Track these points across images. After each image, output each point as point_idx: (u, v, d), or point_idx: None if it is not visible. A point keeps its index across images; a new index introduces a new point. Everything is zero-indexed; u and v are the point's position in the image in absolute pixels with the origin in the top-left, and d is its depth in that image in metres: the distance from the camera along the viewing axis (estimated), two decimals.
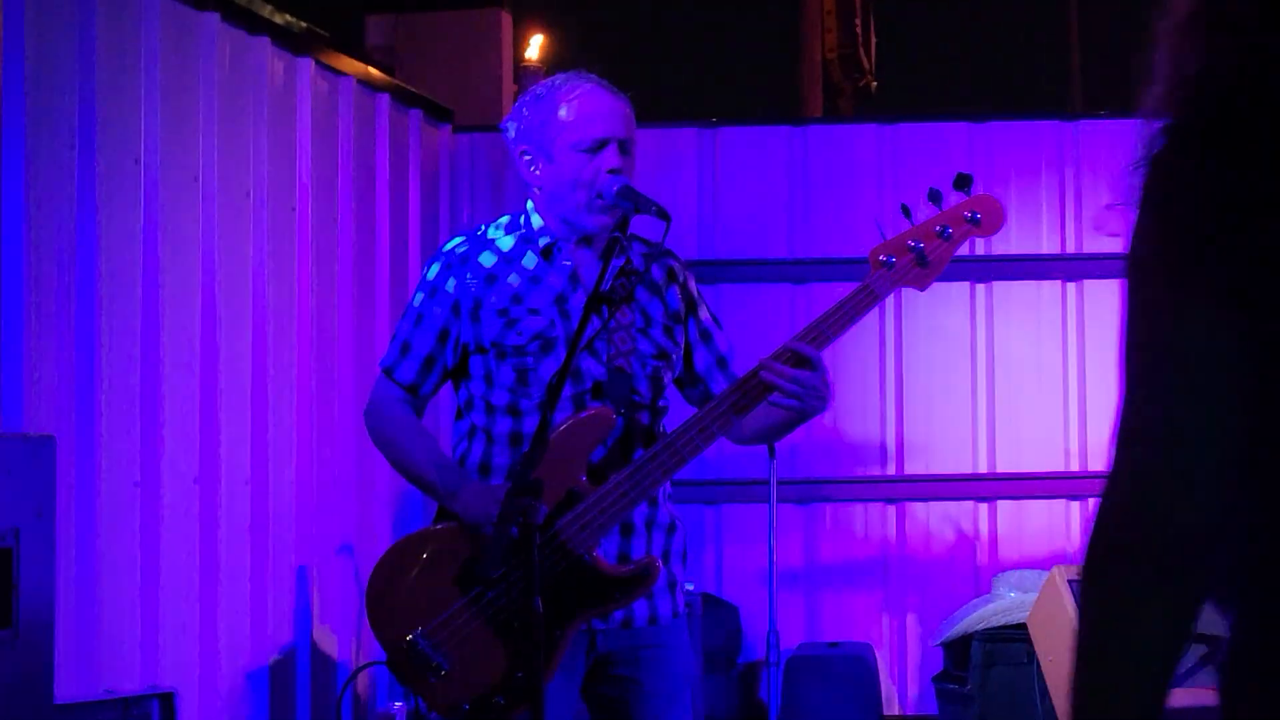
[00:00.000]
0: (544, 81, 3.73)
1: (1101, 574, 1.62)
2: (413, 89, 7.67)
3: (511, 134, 3.71)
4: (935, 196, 3.59)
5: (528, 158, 3.68)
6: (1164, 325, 1.59)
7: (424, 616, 3.55)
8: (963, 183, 3.58)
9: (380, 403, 3.76)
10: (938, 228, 3.59)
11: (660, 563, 3.61)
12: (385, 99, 7.21)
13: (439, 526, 3.63)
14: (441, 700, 3.56)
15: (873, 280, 3.58)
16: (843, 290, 8.07)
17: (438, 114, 7.88)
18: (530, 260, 3.68)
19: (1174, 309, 1.58)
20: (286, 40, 6.35)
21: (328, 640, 6.44)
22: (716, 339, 3.84)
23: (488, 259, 3.69)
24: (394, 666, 3.60)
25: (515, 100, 3.83)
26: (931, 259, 3.59)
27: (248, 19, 6.06)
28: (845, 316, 3.57)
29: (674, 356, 3.74)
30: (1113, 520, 1.62)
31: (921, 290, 3.66)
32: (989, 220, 3.60)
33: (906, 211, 3.61)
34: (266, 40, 6.17)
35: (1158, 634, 1.60)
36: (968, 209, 3.59)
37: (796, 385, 3.50)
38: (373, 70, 7.23)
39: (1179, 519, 1.58)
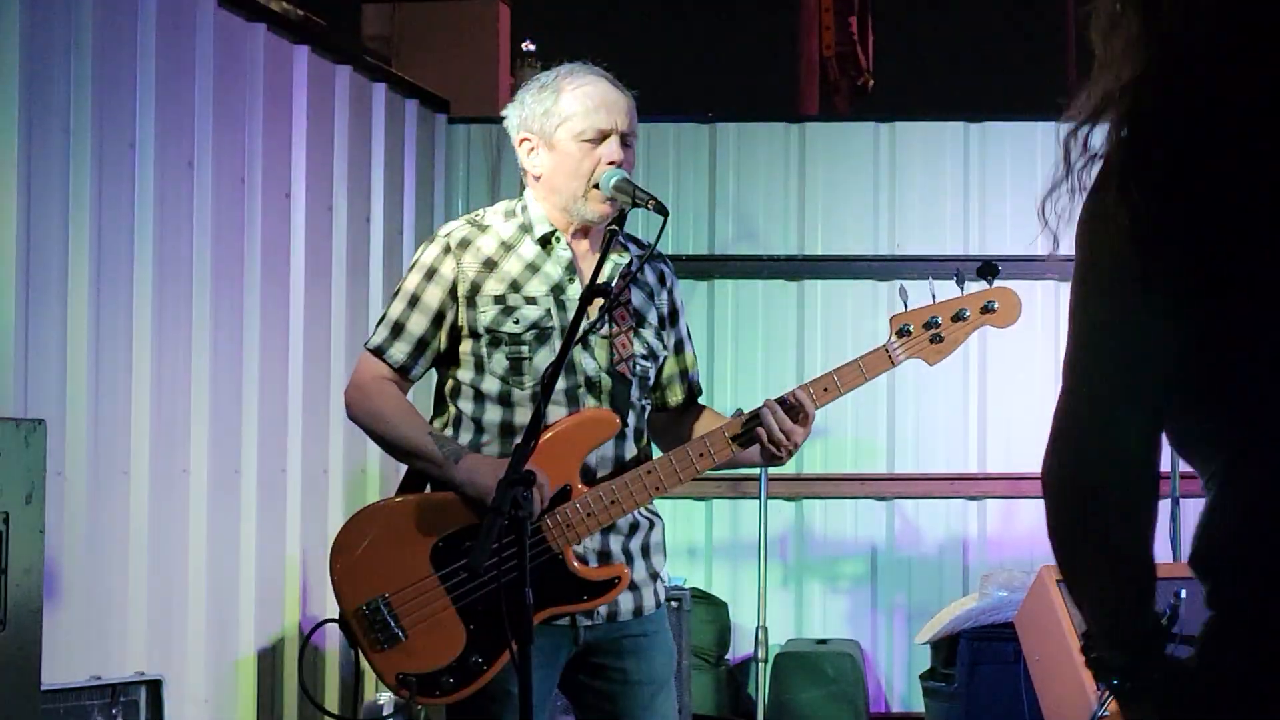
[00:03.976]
0: (548, 71, 3.74)
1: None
2: (410, 79, 7.65)
3: (513, 121, 3.72)
4: (961, 279, 3.77)
5: (528, 145, 3.69)
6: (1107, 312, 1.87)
7: (391, 583, 3.55)
8: (987, 272, 3.75)
9: (366, 381, 3.73)
10: (956, 310, 3.75)
11: (629, 572, 3.64)
12: (382, 88, 7.20)
13: (416, 496, 3.63)
14: (390, 669, 3.56)
15: (890, 347, 3.71)
16: (837, 288, 8.09)
17: (434, 104, 7.86)
18: (528, 248, 3.68)
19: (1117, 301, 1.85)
20: (283, 27, 6.34)
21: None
22: (686, 351, 3.91)
23: (487, 244, 3.68)
24: (346, 627, 3.58)
25: (515, 90, 3.83)
26: (946, 338, 3.76)
27: (245, 5, 6.05)
28: (859, 375, 3.69)
29: (661, 358, 3.77)
30: None
31: (930, 365, 3.81)
32: (1005, 312, 3.78)
33: (931, 288, 3.76)
34: (263, 27, 6.16)
35: None
36: (987, 298, 3.75)
37: (783, 439, 3.59)
38: (370, 59, 7.22)
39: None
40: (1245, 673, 1.80)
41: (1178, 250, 1.79)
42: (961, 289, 3.76)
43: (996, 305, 3.75)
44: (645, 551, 3.73)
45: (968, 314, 3.74)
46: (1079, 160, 1.95)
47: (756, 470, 6.34)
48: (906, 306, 3.75)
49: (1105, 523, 1.91)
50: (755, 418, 3.59)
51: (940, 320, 3.73)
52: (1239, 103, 1.77)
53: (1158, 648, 1.94)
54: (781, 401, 3.60)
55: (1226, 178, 1.77)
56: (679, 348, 3.87)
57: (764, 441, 3.59)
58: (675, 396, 3.88)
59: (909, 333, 3.71)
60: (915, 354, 3.74)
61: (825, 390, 3.64)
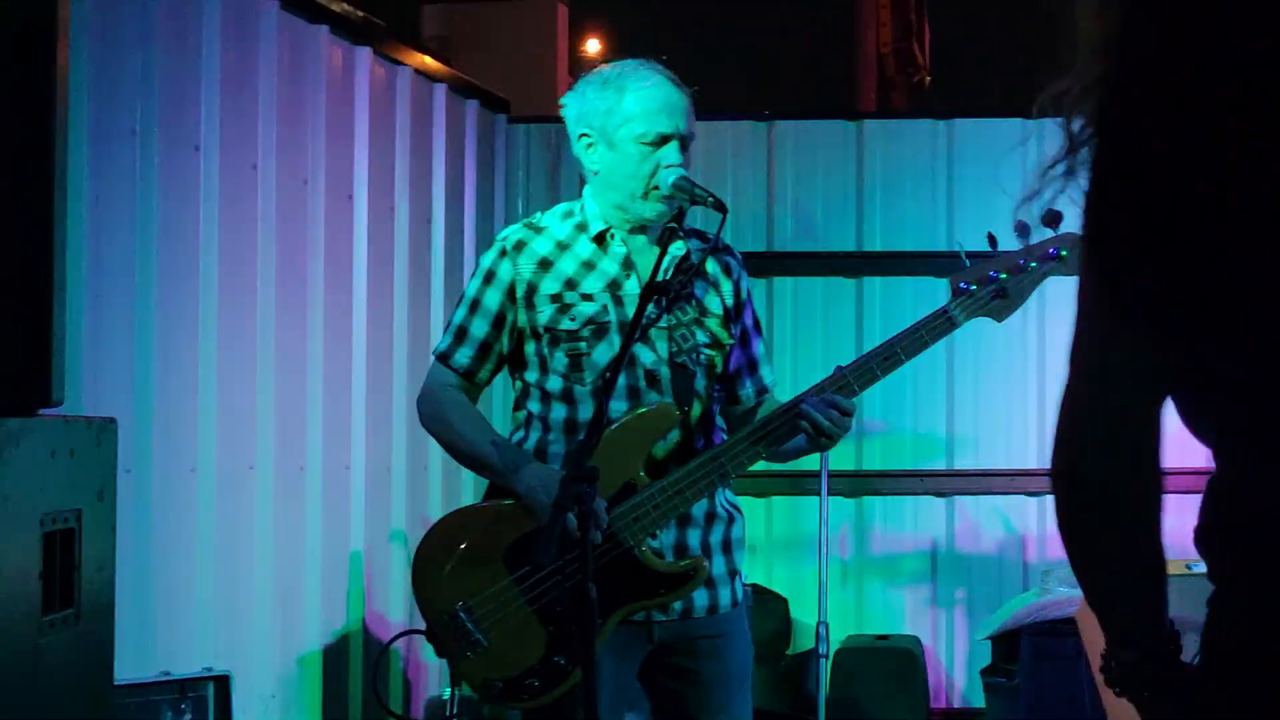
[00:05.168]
0: (610, 66, 3.72)
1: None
2: (470, 79, 7.69)
3: (571, 113, 3.72)
4: (1022, 229, 3.58)
5: (588, 141, 3.70)
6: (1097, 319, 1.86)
7: (469, 591, 3.56)
8: (1051, 219, 3.54)
9: (435, 388, 3.77)
10: (1021, 260, 3.60)
11: (707, 564, 3.62)
12: (443, 89, 7.24)
13: (492, 504, 3.65)
14: (476, 675, 3.57)
15: (951, 307, 3.61)
16: (896, 285, 8.09)
17: (494, 104, 7.90)
18: (584, 246, 3.70)
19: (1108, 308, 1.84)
20: (345, 29, 6.38)
21: (380, 624, 6.48)
22: (753, 342, 3.87)
23: (542, 245, 3.71)
24: (432, 637, 3.61)
25: (576, 80, 3.82)
26: (1012, 292, 3.62)
27: (307, 7, 6.09)
28: (920, 341, 3.60)
29: (728, 348, 3.75)
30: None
31: (998, 322, 3.67)
32: (1074, 258, 3.57)
33: (992, 241, 3.60)
34: (325, 29, 6.20)
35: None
36: (1054, 245, 3.60)
37: (829, 425, 3.54)
38: (430, 60, 7.25)
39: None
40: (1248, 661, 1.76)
41: (1160, 256, 1.77)
42: (1026, 240, 3.60)
43: (1064, 252, 3.59)
44: (725, 547, 3.72)
45: (1032, 264, 3.60)
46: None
47: (816, 466, 6.35)
48: (965, 264, 3.62)
49: (1108, 517, 1.89)
50: (794, 408, 3.56)
51: (1002, 274, 3.60)
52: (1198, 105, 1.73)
53: (1174, 648, 1.93)
54: (822, 390, 3.57)
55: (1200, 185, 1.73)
56: (745, 338, 3.83)
57: (809, 431, 3.54)
58: (744, 390, 3.85)
59: (969, 291, 3.59)
60: (978, 313, 3.61)
61: (886, 359, 3.58)
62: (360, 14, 6.50)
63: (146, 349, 5.18)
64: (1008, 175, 7.71)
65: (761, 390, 3.88)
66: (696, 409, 3.66)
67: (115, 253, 5.06)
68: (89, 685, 3.48)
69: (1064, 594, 6.69)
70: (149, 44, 5.20)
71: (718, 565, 3.68)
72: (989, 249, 3.64)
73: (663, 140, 3.61)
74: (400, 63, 6.84)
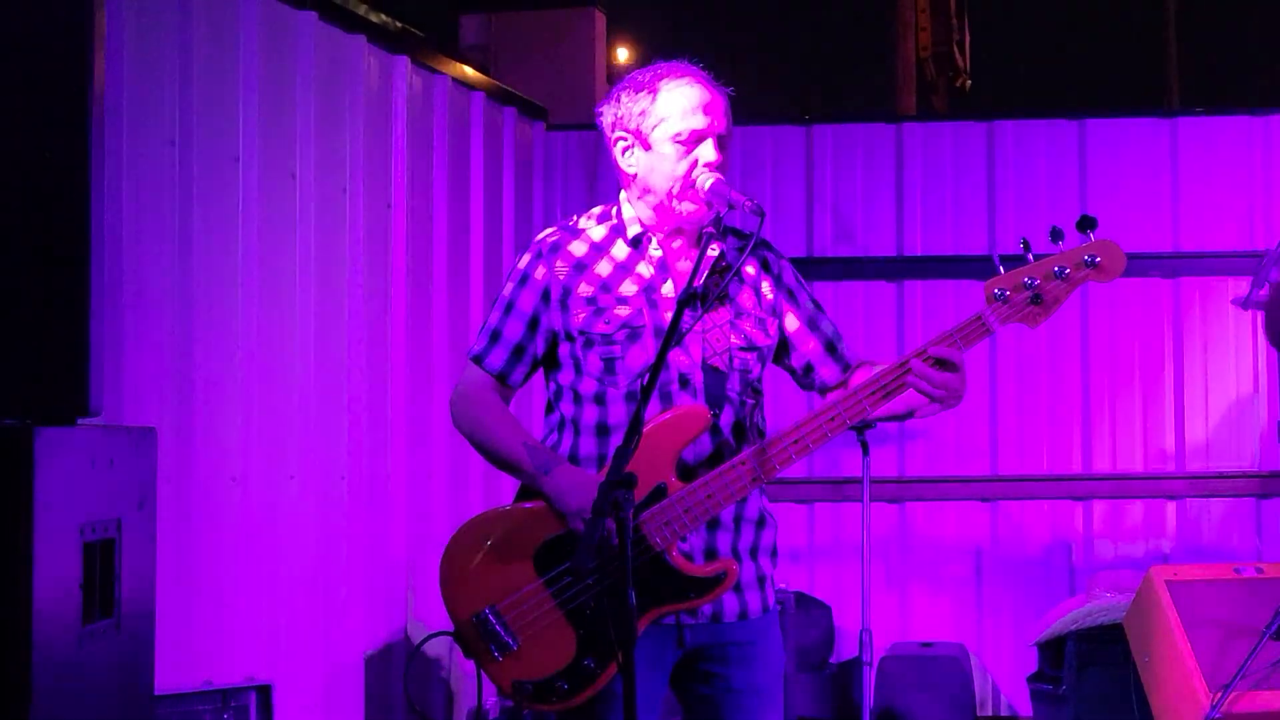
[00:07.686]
0: (644, 69, 3.71)
1: None
2: (507, 87, 7.69)
3: (608, 120, 3.71)
4: (1056, 235, 3.50)
5: (624, 144, 3.68)
6: None
7: (499, 593, 3.55)
8: (1086, 225, 3.49)
9: (468, 390, 3.75)
10: (1055, 268, 3.52)
11: (737, 567, 3.60)
12: (480, 97, 7.24)
13: (522, 505, 3.64)
14: (505, 677, 3.56)
15: (986, 314, 3.54)
16: (937, 289, 8.04)
17: (531, 112, 7.90)
18: (620, 250, 3.68)
19: None
20: (382, 39, 6.39)
21: (422, 634, 6.47)
22: (821, 323, 3.81)
23: (578, 248, 3.70)
24: (460, 638, 3.60)
25: (612, 87, 3.82)
26: (1047, 299, 3.54)
27: (344, 17, 6.10)
28: (956, 347, 3.54)
29: (764, 349, 3.72)
30: None
31: (1032, 328, 3.60)
32: (1109, 265, 3.51)
33: (1026, 246, 3.56)
34: (363, 39, 6.21)
35: None
36: (1088, 252, 3.51)
37: (941, 388, 3.54)
38: (467, 68, 7.26)
39: None
40: None
41: None
42: (1059, 246, 3.51)
43: (1099, 259, 3.50)
44: (754, 552, 3.69)
45: (1067, 271, 3.51)
46: None
47: (859, 473, 6.32)
48: (999, 270, 3.55)
49: None
50: (903, 368, 3.52)
51: (1037, 280, 3.51)
52: None
53: None
54: (918, 354, 3.52)
55: None
56: (812, 323, 3.79)
57: (921, 390, 3.52)
58: (830, 372, 3.80)
59: (1004, 298, 3.52)
60: (1013, 319, 3.54)
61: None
62: (398, 24, 6.51)
63: (187, 359, 5.19)
64: (1048, 177, 7.71)
65: (847, 367, 3.84)
66: (728, 412, 3.63)
67: (155, 263, 5.07)
68: (129, 695, 3.48)
69: (1111, 599, 6.64)
70: (187, 55, 5.21)
71: (747, 570, 3.66)
72: (1023, 254, 3.59)
73: (698, 139, 3.60)
74: (437, 71, 6.85)
